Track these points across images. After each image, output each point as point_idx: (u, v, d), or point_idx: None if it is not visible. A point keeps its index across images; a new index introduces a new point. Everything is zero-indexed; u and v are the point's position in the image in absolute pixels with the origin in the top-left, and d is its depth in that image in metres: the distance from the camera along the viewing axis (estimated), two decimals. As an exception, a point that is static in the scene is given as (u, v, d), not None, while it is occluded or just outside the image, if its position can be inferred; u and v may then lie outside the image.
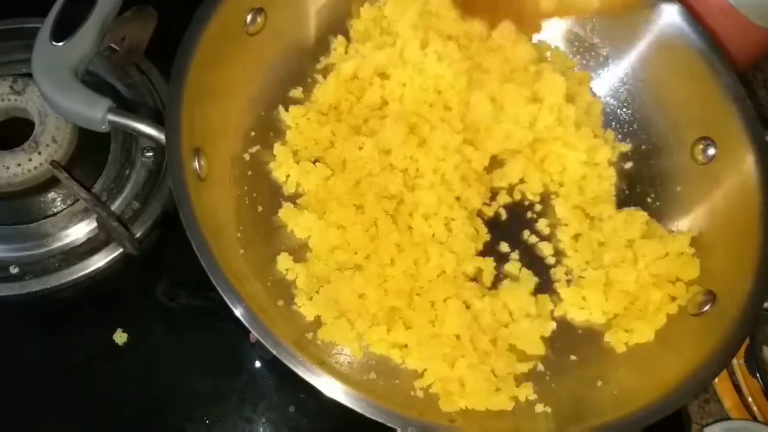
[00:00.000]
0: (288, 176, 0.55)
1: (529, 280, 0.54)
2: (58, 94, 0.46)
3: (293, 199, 0.55)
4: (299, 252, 0.53)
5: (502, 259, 0.55)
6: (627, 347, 0.52)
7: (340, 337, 0.49)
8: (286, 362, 0.42)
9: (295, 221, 0.53)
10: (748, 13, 0.58)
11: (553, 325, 0.52)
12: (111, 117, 0.46)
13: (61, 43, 0.47)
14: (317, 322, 0.50)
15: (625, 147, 0.60)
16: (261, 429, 0.52)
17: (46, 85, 0.46)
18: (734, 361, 0.58)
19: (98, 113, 0.46)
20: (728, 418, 0.58)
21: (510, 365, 0.50)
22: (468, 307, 0.52)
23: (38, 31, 0.48)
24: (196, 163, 0.47)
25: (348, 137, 0.55)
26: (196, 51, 0.47)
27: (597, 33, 0.62)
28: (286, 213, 0.53)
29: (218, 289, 0.42)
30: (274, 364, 0.53)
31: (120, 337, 0.53)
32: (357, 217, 0.52)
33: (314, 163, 0.55)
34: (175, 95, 0.46)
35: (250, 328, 0.42)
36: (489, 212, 0.57)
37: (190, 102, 0.46)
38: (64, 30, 0.47)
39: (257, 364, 0.54)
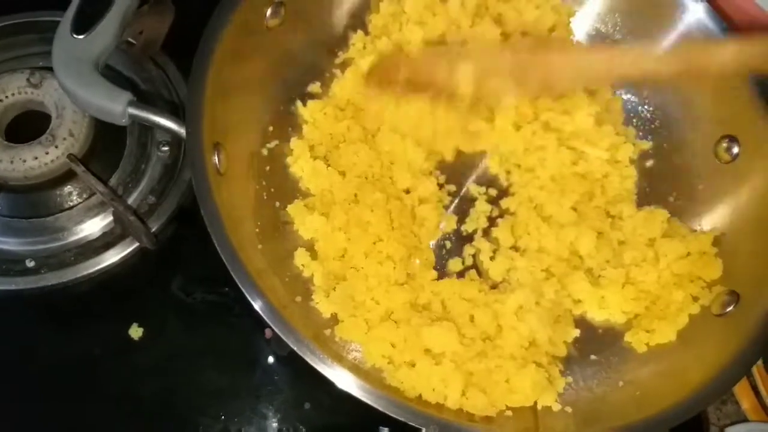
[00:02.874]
0: (304, 170, 0.55)
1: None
2: (78, 87, 0.46)
3: (309, 195, 0.55)
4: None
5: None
6: (648, 348, 0.51)
7: (356, 336, 0.48)
8: (306, 358, 0.42)
9: (302, 220, 0.52)
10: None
11: (576, 332, 0.52)
12: (131, 110, 0.45)
13: (81, 36, 0.47)
14: (334, 319, 0.50)
15: (647, 145, 0.60)
16: (276, 425, 0.51)
17: (66, 77, 0.46)
18: (753, 362, 0.58)
19: (119, 106, 0.45)
20: (746, 420, 0.57)
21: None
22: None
23: (59, 24, 0.47)
24: (216, 158, 0.47)
25: (352, 142, 0.55)
26: (217, 46, 0.47)
27: (620, 30, 0.61)
28: (294, 209, 0.53)
29: (238, 283, 0.42)
30: (289, 361, 0.53)
31: (135, 331, 0.53)
32: (358, 224, 0.51)
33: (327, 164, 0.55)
34: (196, 89, 0.46)
35: (269, 323, 0.42)
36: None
37: (210, 96, 0.46)
38: (84, 23, 0.47)
39: (272, 360, 0.54)
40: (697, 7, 0.56)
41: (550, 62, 0.48)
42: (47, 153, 0.55)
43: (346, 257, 0.51)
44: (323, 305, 0.50)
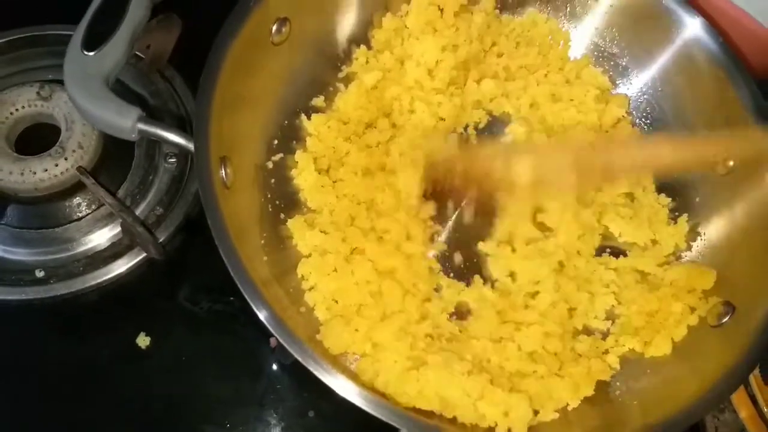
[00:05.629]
0: (307, 182, 0.56)
1: None
2: (89, 103, 0.47)
3: (312, 209, 0.55)
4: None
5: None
6: (645, 359, 0.52)
7: (356, 349, 0.49)
8: (309, 367, 0.42)
9: (302, 235, 0.53)
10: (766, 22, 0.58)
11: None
12: (141, 126, 0.46)
13: (92, 53, 0.48)
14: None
15: None
16: (280, 433, 0.52)
17: (77, 94, 0.47)
18: (750, 371, 0.58)
19: (128, 122, 0.46)
20: (743, 429, 0.58)
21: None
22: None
23: (70, 40, 0.48)
24: (223, 172, 0.48)
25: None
26: (224, 60, 0.48)
27: (617, 43, 0.62)
28: (294, 224, 0.53)
29: (244, 293, 0.43)
30: (294, 369, 0.54)
31: (143, 340, 0.54)
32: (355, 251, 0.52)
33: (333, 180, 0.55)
34: (204, 105, 0.46)
35: (274, 333, 0.43)
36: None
37: (217, 111, 0.47)
38: (95, 39, 0.48)
39: (276, 368, 0.54)
40: (694, 23, 0.57)
41: (614, 156, 0.48)
42: (57, 165, 0.56)
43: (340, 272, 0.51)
44: (324, 316, 0.50)
